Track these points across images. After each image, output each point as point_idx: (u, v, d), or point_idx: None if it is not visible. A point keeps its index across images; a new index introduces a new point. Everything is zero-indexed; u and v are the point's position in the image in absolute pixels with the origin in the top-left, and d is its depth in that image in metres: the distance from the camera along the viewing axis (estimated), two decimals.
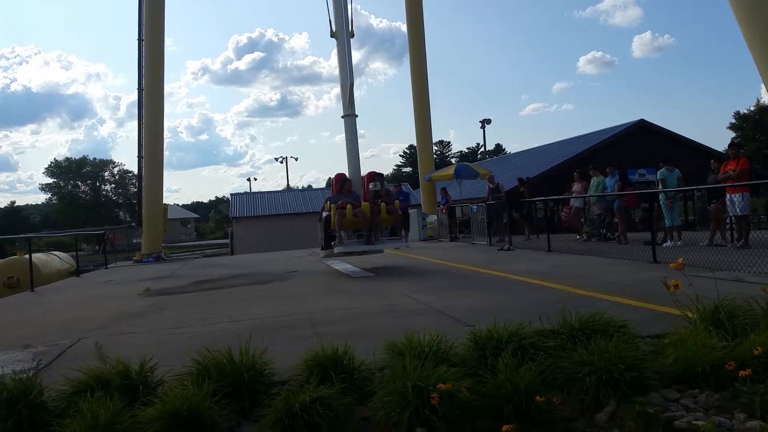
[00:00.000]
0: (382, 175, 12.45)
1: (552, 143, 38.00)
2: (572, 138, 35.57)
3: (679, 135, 31.00)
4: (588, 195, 15.19)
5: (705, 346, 3.66)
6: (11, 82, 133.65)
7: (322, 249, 11.98)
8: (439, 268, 11.34)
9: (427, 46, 24.74)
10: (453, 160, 79.66)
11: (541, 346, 3.90)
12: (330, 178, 13.53)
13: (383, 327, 5.68)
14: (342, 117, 12.42)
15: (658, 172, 13.20)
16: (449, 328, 4.75)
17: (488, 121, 50.33)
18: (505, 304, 6.60)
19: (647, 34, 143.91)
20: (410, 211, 23.05)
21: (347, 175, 12.23)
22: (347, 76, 12.21)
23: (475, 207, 17.64)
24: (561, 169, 26.77)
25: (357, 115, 12.48)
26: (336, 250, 11.31)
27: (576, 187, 16.23)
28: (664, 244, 11.90)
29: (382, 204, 11.11)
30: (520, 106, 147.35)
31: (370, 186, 11.49)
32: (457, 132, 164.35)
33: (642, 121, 30.85)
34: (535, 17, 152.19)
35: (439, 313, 6.36)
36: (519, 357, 3.68)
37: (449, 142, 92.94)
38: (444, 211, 20.50)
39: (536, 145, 41.69)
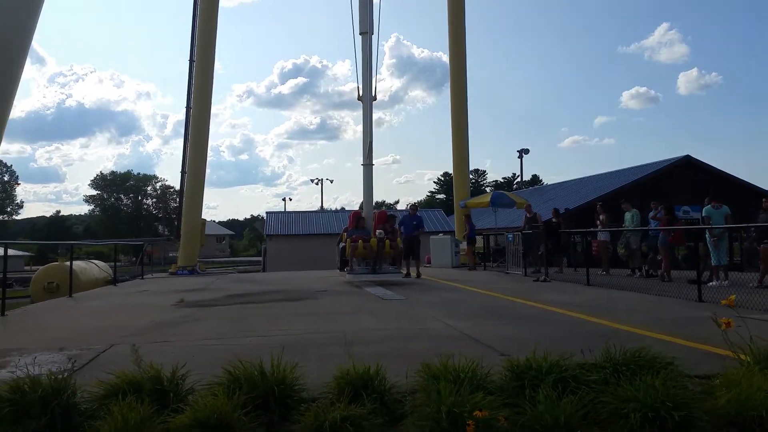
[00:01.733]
0: (394, 217, 15.47)
1: (592, 176, 37.43)
2: (613, 171, 34.98)
3: (726, 173, 30.18)
4: (628, 228, 14.88)
5: (761, 390, 3.45)
6: (66, 98, 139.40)
7: (338, 269, 15.36)
8: (473, 296, 11.15)
9: (467, 75, 24.71)
10: (488, 189, 79.25)
11: (583, 379, 3.75)
12: (362, 203, 15.91)
13: (415, 350, 5.55)
14: (362, 165, 15.36)
15: (704, 210, 12.83)
16: (484, 356, 4.60)
17: (526, 151, 49.97)
18: (542, 334, 6.41)
19: (693, 72, 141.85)
20: (442, 237, 22.98)
21: (362, 213, 15.27)
22: (368, 133, 15.20)
23: (511, 236, 17.38)
24: (601, 202, 26.27)
25: (374, 164, 15.39)
26: (347, 277, 14.06)
27: (602, 218, 16.02)
28: (710, 284, 11.49)
29: (387, 241, 13.96)
30: (559, 138, 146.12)
31: (377, 233, 14.04)
32: (493, 161, 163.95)
33: (687, 157, 30.17)
34: (578, 50, 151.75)
35: (472, 339, 6.21)
36: (559, 389, 3.55)
37: (485, 171, 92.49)
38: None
39: (574, 177, 41.15)
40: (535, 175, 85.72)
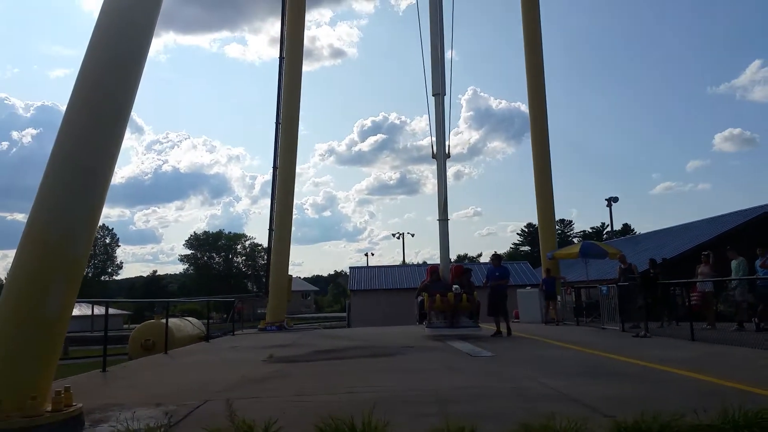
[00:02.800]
0: (470, 270, 15.77)
1: (689, 223, 35.45)
2: (712, 217, 32.96)
3: None
4: (733, 278, 13.85)
5: None
6: (163, 164, 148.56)
7: (417, 323, 15.89)
8: (567, 353, 10.63)
9: (548, 122, 24.37)
10: (575, 240, 76.65)
11: None
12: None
13: (510, 410, 5.29)
14: (438, 220, 15.97)
15: None
16: (586, 417, 4.31)
17: (615, 200, 48.18)
18: (647, 394, 5.95)
19: None
20: (529, 291, 22.28)
21: (440, 267, 15.58)
22: (442, 190, 15.89)
23: (605, 288, 16.55)
24: (700, 251, 24.68)
25: (449, 219, 15.96)
26: (426, 330, 14.50)
27: (702, 269, 14.90)
28: None
29: (464, 295, 14.08)
30: (650, 185, 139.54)
31: (453, 288, 14.21)
32: (579, 210, 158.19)
33: None
34: (663, 93, 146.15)
35: (571, 399, 5.84)
36: None
37: (571, 221, 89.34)
38: (568, 291, 19.54)
39: (669, 225, 39.10)
40: (626, 224, 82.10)
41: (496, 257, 16.39)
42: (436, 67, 16.38)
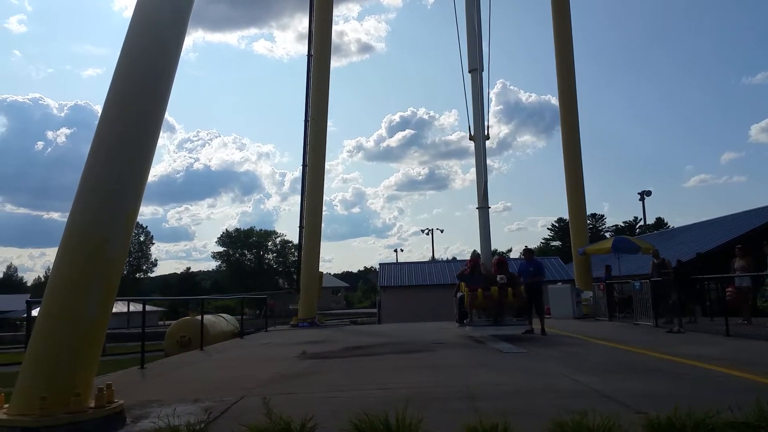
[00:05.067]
0: (506, 262, 14.01)
1: (725, 216, 34.64)
2: (751, 210, 32.13)
3: None
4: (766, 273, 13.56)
5: None
6: (194, 162, 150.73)
7: (457, 323, 13.77)
8: (599, 349, 10.56)
9: (579, 115, 24.03)
10: (607, 234, 75.44)
11: None
12: (475, 250, 15.37)
13: (542, 407, 5.32)
14: (477, 209, 14.70)
15: None
16: (618, 414, 4.31)
17: (648, 193, 47.28)
18: (681, 390, 5.92)
19: None
20: (561, 286, 22.03)
21: (481, 258, 14.11)
22: (482, 174, 14.59)
23: (638, 284, 16.33)
24: (735, 245, 24.07)
25: (490, 207, 14.68)
26: (467, 329, 13.13)
27: (737, 263, 14.57)
28: None
29: (509, 289, 12.64)
30: (683, 178, 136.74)
31: (498, 279, 12.81)
32: (611, 205, 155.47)
33: None
34: (696, 84, 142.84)
35: (603, 396, 5.84)
36: None
37: (603, 216, 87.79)
38: (602, 287, 19.33)
39: (703, 219, 38.17)
40: (660, 218, 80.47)
41: (527, 251, 15.33)
42: (473, 41, 15.20)
